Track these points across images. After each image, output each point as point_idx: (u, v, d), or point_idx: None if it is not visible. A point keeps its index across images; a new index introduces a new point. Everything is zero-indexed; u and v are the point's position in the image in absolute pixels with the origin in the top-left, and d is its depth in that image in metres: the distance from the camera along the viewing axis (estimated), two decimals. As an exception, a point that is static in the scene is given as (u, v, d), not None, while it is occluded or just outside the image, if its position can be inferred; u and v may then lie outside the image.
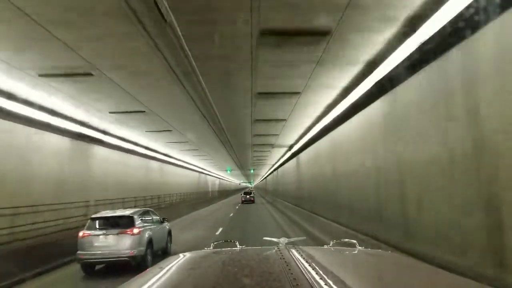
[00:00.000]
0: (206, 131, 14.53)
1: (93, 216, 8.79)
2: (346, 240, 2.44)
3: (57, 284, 7.96)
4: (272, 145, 19.17)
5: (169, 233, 10.79)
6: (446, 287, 1.45)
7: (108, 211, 9.99)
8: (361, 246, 2.17)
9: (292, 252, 1.72)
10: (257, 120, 12.28)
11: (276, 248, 1.87)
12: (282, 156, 23.63)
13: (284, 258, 1.60)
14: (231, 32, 5.28)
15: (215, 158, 28.13)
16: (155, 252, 9.18)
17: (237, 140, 17.63)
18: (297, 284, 1.20)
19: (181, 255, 1.92)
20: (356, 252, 2.10)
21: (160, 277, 1.53)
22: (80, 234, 8.26)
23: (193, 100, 9.15)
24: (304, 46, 5.78)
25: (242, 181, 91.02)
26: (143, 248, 8.37)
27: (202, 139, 17.51)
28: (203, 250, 2.18)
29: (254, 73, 7.15)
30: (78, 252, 8.12)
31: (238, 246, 2.21)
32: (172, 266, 1.70)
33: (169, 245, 10.62)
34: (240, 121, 12.75)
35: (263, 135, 15.62)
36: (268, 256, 1.82)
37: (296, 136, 15.87)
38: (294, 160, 20.46)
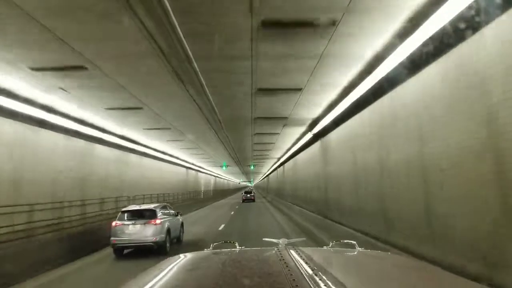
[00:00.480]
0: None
1: (123, 209, 11.40)
2: (345, 241, 2.48)
3: None
4: (286, 119, 13.35)
5: (182, 224, 13.36)
6: None
7: (134, 205, 12.90)
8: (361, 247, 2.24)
9: (291, 253, 1.79)
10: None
11: (275, 249, 1.94)
12: (297, 141, 18.28)
13: (283, 259, 1.66)
14: None
15: (206, 150, 24.22)
16: (172, 240, 11.74)
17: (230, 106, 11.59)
18: (297, 285, 1.26)
19: (181, 255, 2.01)
20: (355, 253, 2.19)
21: (160, 278, 1.59)
22: (113, 224, 10.75)
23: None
24: None
25: (241, 180, 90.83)
26: (163, 235, 10.83)
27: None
28: (202, 251, 2.27)
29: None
30: (111, 238, 10.55)
31: (237, 247, 2.31)
32: (171, 267, 1.78)
33: (181, 234, 13.20)
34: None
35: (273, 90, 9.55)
36: (268, 257, 1.90)
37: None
38: (315, 146, 15.21)
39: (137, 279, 1.59)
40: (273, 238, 2.61)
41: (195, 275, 1.67)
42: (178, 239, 12.64)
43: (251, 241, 11.91)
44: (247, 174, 60.54)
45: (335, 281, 1.36)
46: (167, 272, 1.69)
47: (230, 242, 2.43)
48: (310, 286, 1.25)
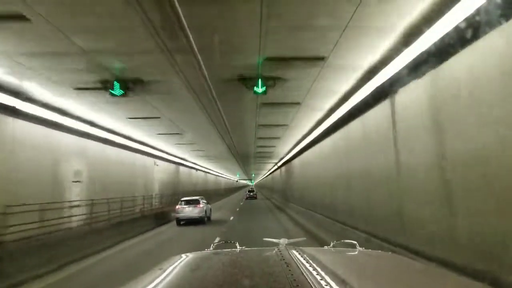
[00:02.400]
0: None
1: (182, 199, 20.17)
2: (346, 241, 2.53)
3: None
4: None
5: (210, 209, 22.31)
6: None
7: (186, 197, 21.06)
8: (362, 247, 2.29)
9: (292, 253, 1.82)
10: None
11: (276, 249, 1.99)
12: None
13: (284, 259, 1.69)
14: None
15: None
16: (206, 217, 20.44)
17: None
18: (298, 285, 1.28)
19: (182, 255, 2.08)
20: (356, 253, 2.22)
21: (162, 279, 1.62)
22: (177, 207, 19.68)
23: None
24: None
25: (238, 176, 73.94)
26: (204, 213, 19.94)
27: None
28: (203, 251, 2.33)
29: None
30: (175, 215, 19.66)
31: (238, 247, 2.37)
32: (172, 268, 1.82)
33: (210, 216, 22.01)
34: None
35: None
36: (269, 257, 1.93)
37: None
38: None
39: (138, 279, 1.61)
40: (273, 238, 2.71)
41: (196, 275, 1.71)
42: (209, 218, 20.90)
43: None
44: (246, 159, 33.83)
45: (337, 280, 1.37)
46: (169, 273, 1.72)
47: (231, 242, 2.52)
48: (311, 286, 1.26)
